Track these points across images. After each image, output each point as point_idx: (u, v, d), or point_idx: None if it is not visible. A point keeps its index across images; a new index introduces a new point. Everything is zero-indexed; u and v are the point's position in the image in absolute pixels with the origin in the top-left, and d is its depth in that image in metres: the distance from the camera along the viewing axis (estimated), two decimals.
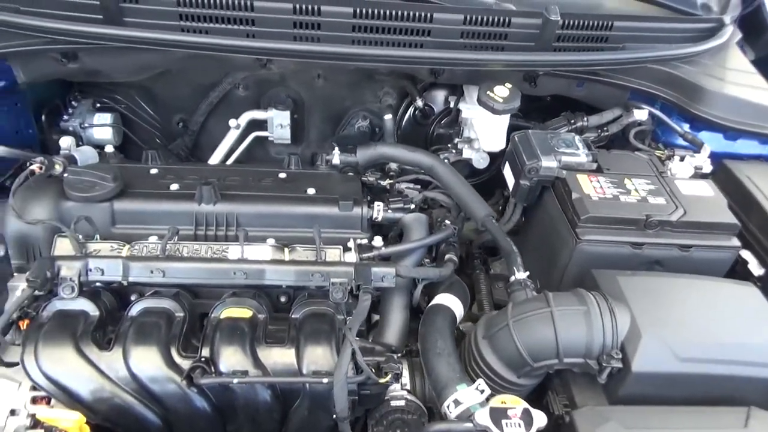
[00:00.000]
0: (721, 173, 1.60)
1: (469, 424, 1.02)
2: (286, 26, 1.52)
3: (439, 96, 2.09)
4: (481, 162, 1.89)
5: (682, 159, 1.53)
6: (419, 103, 1.99)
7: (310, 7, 1.50)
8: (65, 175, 1.37)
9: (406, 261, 1.38)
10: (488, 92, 1.57)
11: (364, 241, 1.38)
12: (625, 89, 1.72)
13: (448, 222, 1.45)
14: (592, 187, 1.39)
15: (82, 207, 1.33)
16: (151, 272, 1.20)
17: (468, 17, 1.55)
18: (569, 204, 1.37)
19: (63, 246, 1.28)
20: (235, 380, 1.07)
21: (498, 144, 1.68)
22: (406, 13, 1.53)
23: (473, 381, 1.14)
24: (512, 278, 1.29)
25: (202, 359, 1.11)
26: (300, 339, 1.16)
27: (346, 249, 1.34)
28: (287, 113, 2.04)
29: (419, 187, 1.68)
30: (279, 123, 2.06)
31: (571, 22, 1.60)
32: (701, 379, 1.10)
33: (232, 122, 2.03)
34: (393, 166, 1.72)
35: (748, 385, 1.11)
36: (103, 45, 1.52)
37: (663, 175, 1.47)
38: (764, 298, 1.23)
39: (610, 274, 1.24)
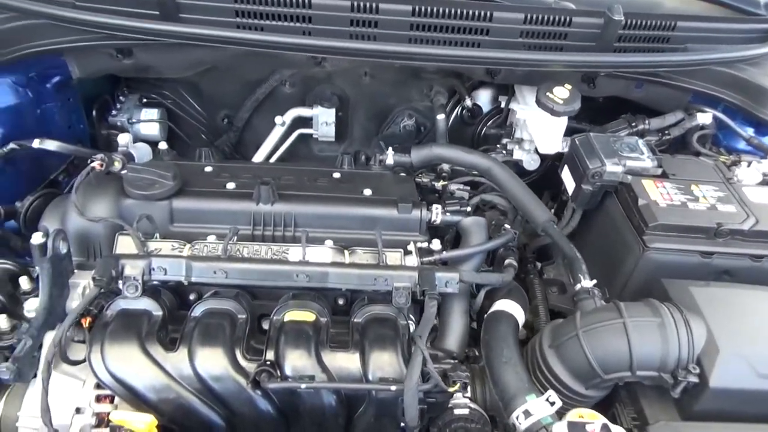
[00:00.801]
0: None
1: None
2: (342, 24, 1.50)
3: (486, 95, 2.06)
4: (531, 163, 1.86)
5: (749, 165, 1.48)
6: (468, 102, 1.96)
7: (368, 5, 1.48)
8: (124, 172, 1.36)
9: (466, 266, 1.35)
10: (548, 93, 1.54)
11: (424, 245, 1.35)
12: (687, 91, 1.67)
13: (507, 226, 1.42)
14: (659, 194, 1.35)
15: (142, 205, 1.33)
16: (214, 273, 1.19)
17: (529, 16, 1.52)
18: (635, 210, 1.33)
19: (124, 244, 1.28)
20: (303, 385, 1.06)
21: (554, 146, 1.64)
22: (465, 12, 1.50)
23: (541, 391, 1.11)
24: (578, 286, 1.25)
25: (268, 362, 1.10)
26: (364, 344, 1.15)
27: (407, 252, 1.32)
28: (332, 111, 2.03)
29: (468, 188, 1.65)
30: (324, 120, 2.05)
31: (634, 22, 1.55)
32: None
33: (278, 119, 2.02)
34: (445, 167, 1.69)
35: None
36: (159, 41, 1.51)
37: (730, 182, 1.42)
38: None
39: (682, 284, 1.20)
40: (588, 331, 1.13)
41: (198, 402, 1.10)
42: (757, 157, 1.55)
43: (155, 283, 1.22)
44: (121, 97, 1.97)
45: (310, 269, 1.21)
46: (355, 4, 1.47)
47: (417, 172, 1.68)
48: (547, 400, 1.07)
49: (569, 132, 1.63)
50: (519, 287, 1.40)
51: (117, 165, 1.35)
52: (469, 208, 1.47)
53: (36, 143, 1.53)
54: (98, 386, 1.16)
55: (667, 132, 1.65)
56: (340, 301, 1.31)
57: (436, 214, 1.40)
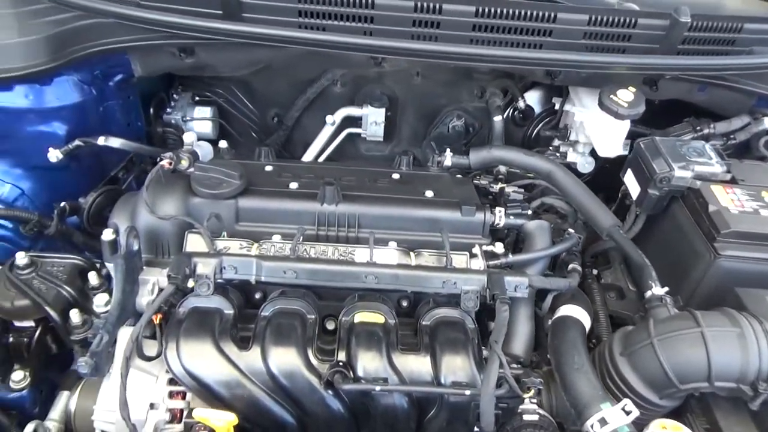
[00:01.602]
0: None
1: None
2: (405, 24, 1.50)
3: (537, 96, 2.04)
4: (586, 166, 1.84)
5: None
6: (521, 103, 1.94)
7: (432, 5, 1.47)
8: (191, 170, 1.38)
9: (530, 270, 1.34)
10: (611, 96, 1.52)
11: (487, 248, 1.35)
12: (752, 95, 1.64)
13: (571, 230, 1.41)
14: (729, 200, 1.32)
15: (209, 203, 1.34)
16: (284, 273, 1.20)
17: (593, 17, 1.50)
18: (705, 217, 1.31)
19: (194, 242, 1.29)
20: (378, 388, 1.06)
21: (615, 149, 1.62)
22: (529, 13, 1.48)
23: (614, 400, 1.10)
24: (649, 293, 1.24)
25: (340, 363, 1.10)
26: (435, 347, 1.14)
27: (472, 255, 1.31)
28: (382, 111, 2.03)
29: (522, 191, 1.64)
30: (374, 120, 2.05)
31: (700, 24, 1.52)
32: None
33: (329, 119, 2.02)
34: (502, 169, 1.68)
35: None
36: (222, 40, 1.52)
37: None
38: None
39: (758, 293, 1.18)
40: (663, 339, 1.11)
41: (271, 400, 1.11)
42: None
43: (221, 281, 1.23)
44: (175, 96, 2.00)
45: (379, 271, 1.21)
46: (419, 4, 1.47)
47: (473, 174, 1.68)
48: (623, 408, 1.06)
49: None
50: (581, 292, 1.39)
51: (184, 163, 1.37)
52: (529, 211, 1.46)
53: (101, 140, 1.56)
54: (171, 382, 1.18)
55: (732, 136, 1.62)
56: (404, 303, 1.31)
57: (499, 217, 1.39)
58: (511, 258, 1.32)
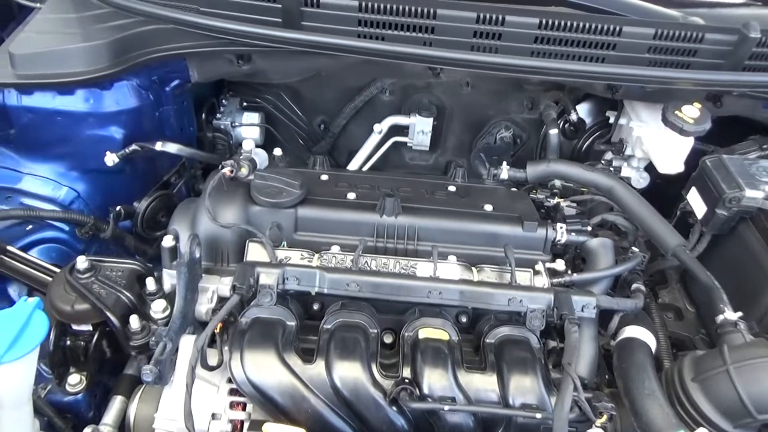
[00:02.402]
0: None
1: None
2: (465, 35, 1.48)
3: (587, 109, 2.01)
4: (640, 182, 1.81)
5: None
6: (573, 116, 1.91)
7: (494, 17, 1.45)
8: (251, 178, 1.37)
9: (593, 289, 1.31)
10: (676, 112, 1.48)
11: (550, 265, 1.32)
12: None
13: (635, 249, 1.38)
14: None
15: (269, 212, 1.33)
16: (347, 285, 1.19)
17: (659, 32, 1.46)
18: None
19: (254, 251, 1.28)
20: (447, 407, 1.04)
21: (676, 166, 1.58)
22: (594, 26, 1.46)
23: (687, 427, 1.06)
24: (720, 318, 1.20)
25: (406, 380, 1.08)
26: (502, 366, 1.12)
27: (536, 272, 1.29)
28: (430, 120, 2.02)
29: (575, 205, 1.61)
30: (421, 129, 2.03)
31: None
32: None
33: (377, 127, 2.01)
34: (557, 183, 1.65)
35: None
36: (280, 48, 1.52)
37: None
38: None
39: None
40: (740, 367, 1.07)
41: (334, 415, 1.10)
42: None
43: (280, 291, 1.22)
44: (224, 101, 2.00)
45: (444, 286, 1.19)
46: (482, 15, 1.45)
47: (526, 187, 1.65)
48: None
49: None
50: (644, 313, 1.35)
51: (244, 171, 1.36)
52: (589, 228, 1.43)
53: (158, 146, 1.56)
54: (232, 392, 1.17)
55: None
56: (463, 319, 1.29)
57: (561, 233, 1.36)
58: (575, 276, 1.29)
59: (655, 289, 1.59)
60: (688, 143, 1.54)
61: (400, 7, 1.45)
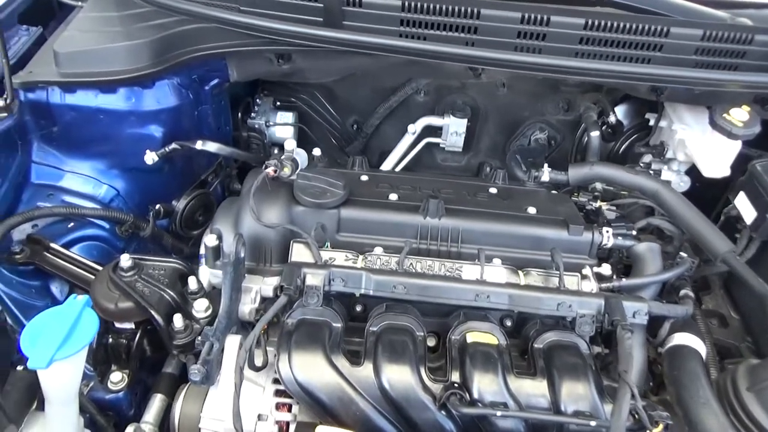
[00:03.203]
0: None
1: None
2: (509, 36, 1.46)
3: (624, 110, 1.98)
4: (681, 185, 1.77)
5: None
6: (611, 118, 1.88)
7: (539, 17, 1.43)
8: (293, 178, 1.37)
9: (641, 295, 1.29)
10: (724, 115, 1.45)
11: (599, 270, 1.30)
12: None
13: (683, 254, 1.35)
14: None
15: (312, 213, 1.33)
16: (394, 287, 1.18)
17: (708, 33, 1.43)
18: None
19: (299, 252, 1.28)
20: (499, 413, 1.02)
21: (723, 170, 1.55)
22: (641, 27, 1.43)
23: None
24: None
25: (455, 385, 1.07)
26: (553, 372, 1.10)
27: (583, 277, 1.27)
28: (464, 121, 2.00)
29: (615, 209, 1.59)
30: (455, 130, 2.02)
31: None
32: None
33: (411, 128, 2.00)
34: (598, 186, 1.63)
35: None
36: (322, 48, 1.51)
37: None
38: None
39: None
40: None
41: (382, 419, 1.09)
42: None
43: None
44: (258, 101, 2.00)
45: (492, 289, 1.17)
46: (527, 15, 1.43)
47: (565, 189, 1.63)
48: None
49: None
50: (692, 320, 1.32)
51: (287, 171, 1.36)
52: (634, 232, 1.41)
53: (199, 144, 1.56)
54: (278, 393, 1.17)
55: None
56: (507, 323, 1.28)
57: (607, 237, 1.34)
58: (624, 281, 1.27)
59: (699, 295, 1.56)
60: (735, 147, 1.51)
61: (444, 7, 1.43)
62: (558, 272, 1.25)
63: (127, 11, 1.57)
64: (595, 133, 1.72)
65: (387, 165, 2.01)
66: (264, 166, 1.35)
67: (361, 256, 1.27)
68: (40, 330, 1.03)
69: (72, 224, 1.50)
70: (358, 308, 1.28)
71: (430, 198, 1.32)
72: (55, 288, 1.43)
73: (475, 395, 1.07)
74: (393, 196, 1.41)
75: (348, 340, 1.20)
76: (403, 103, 2.04)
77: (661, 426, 1.02)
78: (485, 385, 1.07)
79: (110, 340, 1.35)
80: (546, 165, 1.56)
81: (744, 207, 1.42)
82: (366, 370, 1.10)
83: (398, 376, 1.08)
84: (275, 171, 1.34)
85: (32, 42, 1.61)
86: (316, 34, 1.47)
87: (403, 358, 1.10)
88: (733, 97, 1.54)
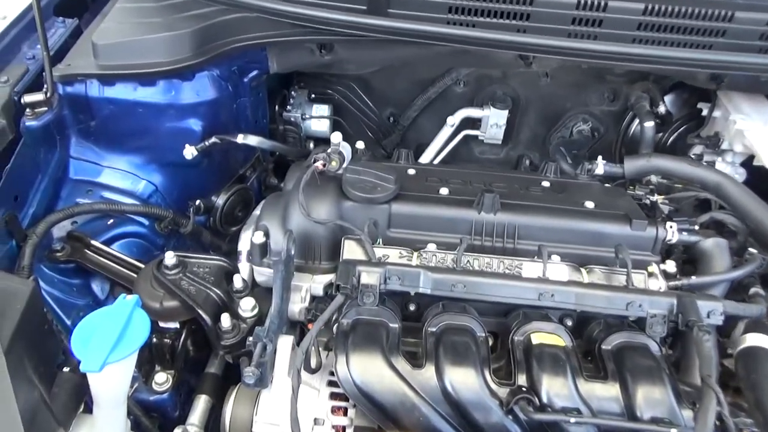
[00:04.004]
0: None
1: None
2: (563, 22, 1.39)
3: (671, 99, 1.91)
4: (736, 178, 1.69)
5: None
6: (661, 108, 1.81)
7: (596, 2, 1.36)
8: (341, 173, 1.31)
9: (712, 293, 1.22)
10: None
11: (663, 267, 1.24)
12: None
13: (753, 250, 1.28)
14: None
15: (362, 208, 1.27)
16: (453, 286, 1.12)
17: None
18: None
19: (351, 249, 1.22)
20: (573, 420, 0.97)
21: None
22: (703, 11, 1.36)
23: None
24: None
25: (524, 389, 1.02)
26: (625, 375, 1.04)
27: (650, 275, 1.20)
28: (505, 112, 1.94)
29: (667, 202, 1.52)
30: (495, 122, 1.96)
31: None
32: None
33: (450, 120, 1.94)
34: (653, 179, 1.56)
35: None
36: (366, 37, 1.46)
37: None
38: None
39: None
40: None
41: (445, 424, 1.03)
42: None
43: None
44: (293, 93, 1.95)
45: (557, 288, 1.12)
46: (582, 1, 1.36)
47: (616, 183, 1.56)
48: None
49: None
50: (762, 319, 1.26)
51: (335, 165, 1.31)
52: (697, 227, 1.34)
53: (240, 138, 1.52)
54: (333, 396, 1.12)
55: None
56: (568, 323, 1.22)
57: (672, 232, 1.28)
58: (693, 279, 1.20)
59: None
60: None
61: None
62: (623, 270, 1.18)
63: (165, 1, 1.52)
64: (649, 124, 1.65)
65: (425, 158, 1.96)
66: (312, 159, 1.30)
67: (415, 253, 1.22)
68: (91, 332, 0.99)
69: (112, 221, 1.47)
70: (412, 307, 1.23)
71: (485, 192, 1.27)
72: (96, 286, 1.40)
73: (545, 400, 1.01)
74: (444, 191, 1.35)
75: (403, 340, 1.15)
76: (442, 95, 1.99)
77: None
78: (555, 389, 1.02)
79: (154, 339, 1.31)
80: (600, 157, 1.50)
81: None
82: (428, 372, 1.05)
83: (462, 379, 1.03)
84: (324, 165, 1.29)
85: (68, 34, 1.57)
86: (361, 23, 1.42)
87: (467, 360, 1.04)
88: None
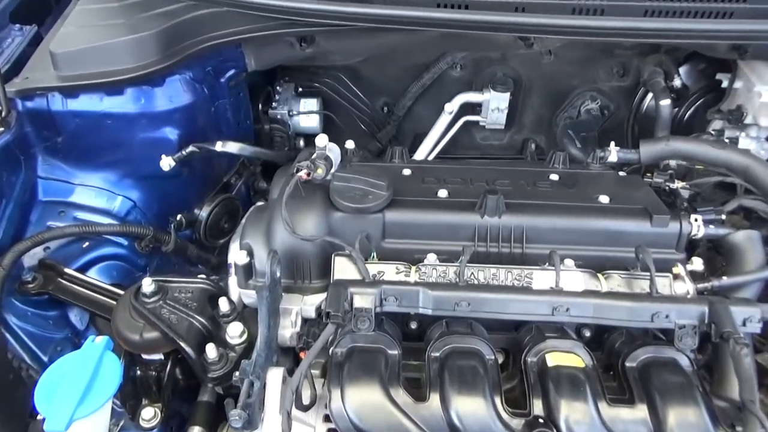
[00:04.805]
0: None
1: None
2: None
3: (686, 71, 1.76)
4: (762, 154, 1.56)
5: None
6: (676, 81, 1.66)
7: None
8: (329, 180, 1.20)
9: (744, 294, 1.10)
10: None
11: (691, 266, 1.11)
12: None
13: None
14: None
15: (353, 219, 1.16)
16: (457, 305, 1.01)
17: None
18: None
19: (342, 267, 1.11)
20: None
21: None
22: None
23: None
24: None
25: (540, 420, 0.91)
26: (654, 397, 0.93)
27: (676, 277, 1.08)
28: (507, 95, 1.81)
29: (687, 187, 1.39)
30: (496, 106, 1.83)
31: None
32: None
33: (448, 107, 1.82)
34: (672, 163, 1.43)
35: None
36: (350, 26, 1.33)
37: None
38: None
39: None
40: None
41: None
42: None
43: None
44: (278, 89, 1.82)
45: (572, 300, 1.00)
46: None
47: (631, 168, 1.43)
48: None
49: None
50: None
51: (320, 172, 1.19)
52: (723, 216, 1.22)
53: (218, 146, 1.40)
54: None
55: None
56: (586, 333, 1.11)
57: (698, 226, 1.15)
58: (725, 280, 1.08)
59: None
60: None
61: None
62: (645, 274, 1.06)
63: (129, 0, 1.39)
64: (665, 102, 1.51)
65: (423, 149, 1.84)
66: (295, 168, 1.18)
67: (413, 268, 1.10)
68: (56, 383, 0.90)
69: (87, 244, 1.36)
70: (413, 325, 1.13)
71: (487, 193, 1.14)
72: (75, 317, 1.30)
73: (564, 430, 0.91)
74: (442, 193, 1.23)
75: (405, 363, 1.04)
76: (437, 80, 1.85)
77: None
78: (576, 417, 0.91)
79: (138, 372, 1.22)
80: (612, 143, 1.36)
81: None
82: (432, 404, 0.94)
83: (471, 410, 0.92)
84: (308, 174, 1.17)
85: (27, 43, 1.45)
86: (343, 12, 1.29)
87: (475, 388, 0.94)
88: None
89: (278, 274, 1.08)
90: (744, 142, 1.57)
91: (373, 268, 1.10)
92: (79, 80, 1.30)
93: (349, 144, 1.40)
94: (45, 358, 1.21)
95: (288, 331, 1.13)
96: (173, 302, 1.18)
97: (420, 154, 1.83)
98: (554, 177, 1.32)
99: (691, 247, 1.25)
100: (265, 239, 1.17)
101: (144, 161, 1.40)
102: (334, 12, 1.29)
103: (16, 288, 1.23)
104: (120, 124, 1.35)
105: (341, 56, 1.56)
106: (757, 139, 1.56)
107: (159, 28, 1.30)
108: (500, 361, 1.10)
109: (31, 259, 1.28)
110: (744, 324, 0.97)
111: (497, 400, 0.94)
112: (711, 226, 1.16)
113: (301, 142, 1.84)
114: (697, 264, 1.14)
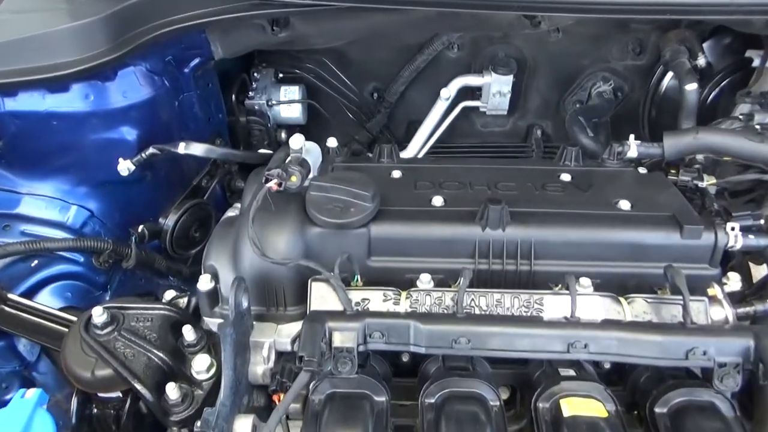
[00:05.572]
0: None
1: None
2: None
3: (710, 48, 1.58)
4: None
5: None
6: (701, 61, 1.48)
7: None
8: (307, 189, 1.03)
9: None
10: None
11: (731, 284, 0.95)
12: None
13: None
14: None
15: (333, 235, 1.00)
16: (454, 342, 0.85)
17: None
18: None
19: (319, 293, 0.95)
20: None
21: None
22: None
23: None
24: None
25: None
26: None
27: (712, 300, 0.92)
28: (510, 78, 1.64)
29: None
30: (498, 90, 1.66)
31: None
32: None
33: (444, 92, 1.64)
34: (698, 158, 1.25)
35: None
36: (326, 6, 1.14)
37: None
38: None
39: None
40: None
41: None
42: None
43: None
44: (256, 75, 1.64)
45: (591, 334, 0.84)
46: None
47: (651, 161, 1.26)
48: None
49: None
50: None
51: (295, 180, 1.02)
52: (762, 221, 1.05)
53: (181, 148, 1.23)
54: None
55: None
56: (605, 366, 0.96)
57: (735, 236, 0.98)
58: None
59: None
60: None
61: None
62: (677, 297, 0.90)
63: None
64: (691, 86, 1.33)
65: (418, 138, 1.67)
66: (264, 178, 1.01)
67: (404, 293, 0.94)
68: None
69: (36, 262, 1.20)
70: (405, 358, 0.97)
71: (489, 203, 0.98)
72: (23, 347, 1.16)
73: None
74: (437, 200, 1.06)
75: (395, 404, 0.89)
76: (432, 62, 1.67)
77: None
78: None
79: (95, 410, 1.07)
80: (632, 137, 1.19)
81: None
82: None
83: None
84: (279, 184, 1.00)
85: None
86: None
87: None
88: None
89: (245, 305, 0.92)
90: None
91: (357, 295, 0.94)
92: (15, 76, 1.12)
93: (331, 142, 1.23)
94: None
95: (260, 367, 0.97)
96: (129, 333, 1.02)
97: (415, 145, 1.66)
98: (566, 177, 1.15)
99: (725, 256, 1.09)
100: (232, 261, 1.01)
101: (99, 166, 1.24)
102: None
103: None
104: (67, 124, 1.18)
105: (322, 40, 1.38)
106: None
107: (105, 12, 1.13)
108: (505, 397, 0.96)
109: None
110: None
111: None
112: (750, 236, 1.00)
113: (283, 135, 1.67)
114: (734, 281, 0.98)
